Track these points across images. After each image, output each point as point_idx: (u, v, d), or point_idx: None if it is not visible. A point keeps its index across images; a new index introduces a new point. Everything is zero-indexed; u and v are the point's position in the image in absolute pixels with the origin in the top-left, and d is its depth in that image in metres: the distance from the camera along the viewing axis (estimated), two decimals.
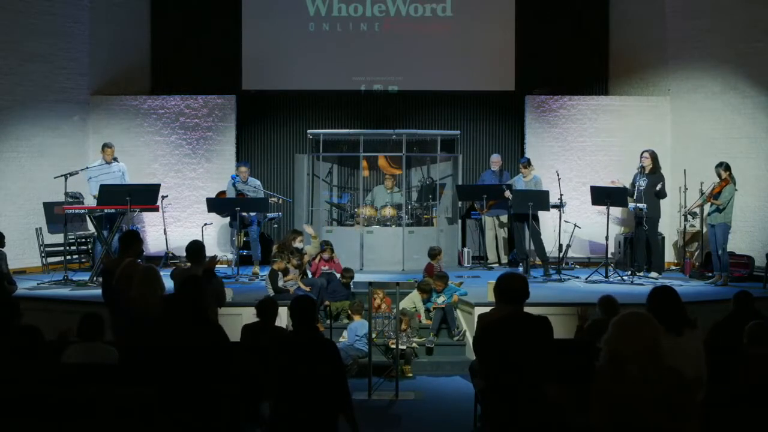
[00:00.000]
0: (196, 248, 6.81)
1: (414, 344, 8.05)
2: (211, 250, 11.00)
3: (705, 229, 10.39)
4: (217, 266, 11.09)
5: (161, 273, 6.10)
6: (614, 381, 3.36)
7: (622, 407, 3.33)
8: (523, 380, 4.03)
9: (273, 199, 10.96)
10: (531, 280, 9.99)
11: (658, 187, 10.08)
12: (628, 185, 10.33)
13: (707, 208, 9.94)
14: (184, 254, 7.10)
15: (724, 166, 9.69)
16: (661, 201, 10.27)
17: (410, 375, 7.85)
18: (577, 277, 10.25)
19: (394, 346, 7.55)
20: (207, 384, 4.31)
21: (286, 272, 8.44)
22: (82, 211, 10.43)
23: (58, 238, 10.49)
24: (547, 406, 3.93)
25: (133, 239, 6.57)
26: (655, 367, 3.35)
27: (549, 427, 3.93)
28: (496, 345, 4.21)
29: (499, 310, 6.22)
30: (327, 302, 8.38)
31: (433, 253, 9.56)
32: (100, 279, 7.65)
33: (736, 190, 9.68)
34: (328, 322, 8.23)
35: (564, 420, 3.88)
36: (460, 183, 11.61)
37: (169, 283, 7.05)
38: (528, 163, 10.82)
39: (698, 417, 3.49)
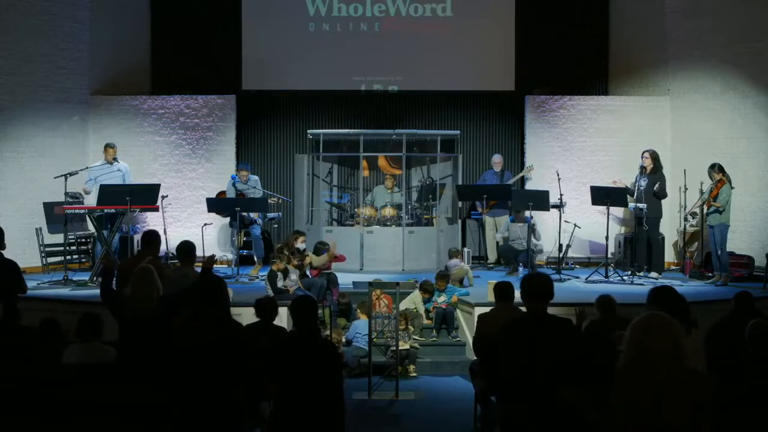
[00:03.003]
0: (186, 248, 6.81)
1: (416, 344, 8.06)
2: (211, 250, 11.02)
3: (705, 230, 10.39)
4: (217, 266, 11.23)
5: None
6: (640, 382, 3.35)
7: (646, 408, 3.32)
8: (547, 380, 4.02)
9: (273, 199, 10.96)
10: None
11: (656, 187, 10.08)
12: (629, 185, 10.34)
13: (706, 209, 9.93)
14: (175, 253, 7.13)
15: (716, 168, 9.70)
16: (662, 201, 10.28)
17: (414, 374, 7.85)
18: (577, 277, 10.25)
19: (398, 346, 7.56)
20: (225, 383, 4.30)
21: (285, 273, 8.43)
22: (82, 211, 10.44)
23: (58, 238, 10.48)
24: (565, 406, 3.93)
25: (156, 239, 6.63)
26: (681, 368, 3.35)
27: (569, 427, 3.92)
28: (518, 344, 4.21)
29: (500, 310, 6.27)
30: (337, 296, 8.64)
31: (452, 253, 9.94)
32: (100, 279, 7.66)
33: (732, 188, 9.68)
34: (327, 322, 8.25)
35: (580, 420, 3.87)
36: (460, 183, 11.60)
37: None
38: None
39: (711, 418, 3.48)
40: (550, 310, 4.58)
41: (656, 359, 3.34)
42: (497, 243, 11.23)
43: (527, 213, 10.83)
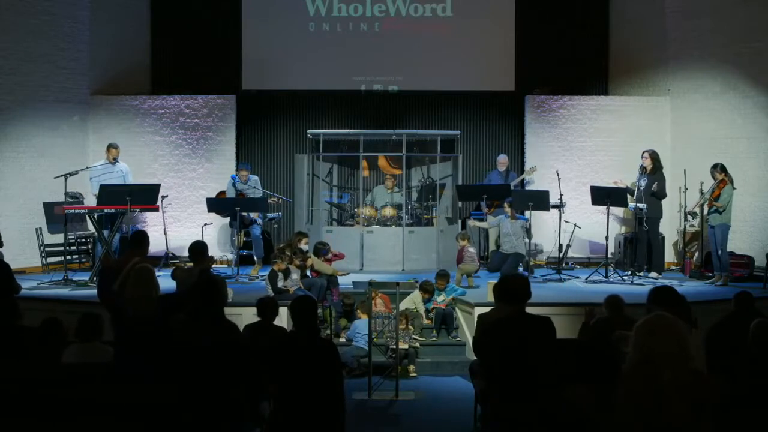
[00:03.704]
0: (199, 248, 6.82)
1: (417, 344, 8.06)
2: (211, 250, 11.01)
3: (705, 230, 10.38)
4: (217, 266, 11.24)
5: (161, 273, 6.15)
6: (644, 383, 3.34)
7: (651, 409, 3.31)
8: (527, 380, 4.04)
9: (273, 199, 10.96)
10: (531, 280, 9.96)
11: (654, 187, 10.08)
12: (630, 185, 10.34)
13: (707, 209, 9.93)
14: (185, 254, 7.13)
15: (719, 168, 9.69)
16: (662, 201, 10.28)
17: (414, 374, 7.86)
18: (577, 277, 10.25)
19: (394, 347, 7.56)
20: (223, 383, 4.31)
21: (286, 273, 8.43)
22: (82, 211, 10.43)
23: (58, 238, 10.48)
24: (561, 406, 3.93)
25: (143, 240, 6.61)
26: (686, 369, 3.35)
27: (566, 427, 3.93)
28: (498, 344, 4.23)
29: (499, 310, 6.26)
30: (338, 296, 8.58)
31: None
32: (97, 278, 7.67)
33: (734, 189, 9.68)
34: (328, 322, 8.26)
35: (584, 420, 3.87)
36: (460, 183, 11.60)
37: (168, 283, 7.08)
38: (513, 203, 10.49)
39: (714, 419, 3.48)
40: (555, 310, 4.59)
41: (661, 360, 3.34)
42: (478, 228, 11.21)
43: (526, 213, 10.82)
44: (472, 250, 9.87)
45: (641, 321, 3.49)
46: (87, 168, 10.55)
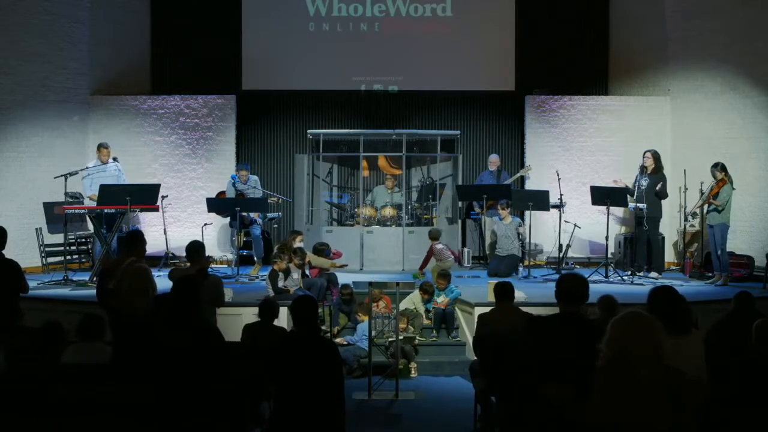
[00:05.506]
0: (195, 247, 6.82)
1: (416, 341, 8.07)
2: (211, 250, 11.03)
3: (706, 230, 10.38)
4: (217, 266, 11.24)
5: (161, 273, 6.13)
6: (619, 381, 3.35)
7: (626, 408, 3.32)
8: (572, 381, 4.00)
9: (273, 199, 10.96)
10: (531, 280, 9.99)
11: (658, 187, 10.10)
12: (630, 185, 10.34)
13: (706, 208, 9.94)
14: (185, 254, 7.12)
15: (719, 167, 9.70)
16: (662, 201, 10.28)
17: (414, 374, 7.85)
18: None
19: (393, 340, 7.57)
20: (203, 384, 4.30)
21: (287, 273, 8.42)
22: (82, 211, 10.43)
23: (58, 238, 10.48)
24: (551, 405, 3.92)
25: (137, 239, 6.58)
26: (660, 368, 3.35)
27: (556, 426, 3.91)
28: (552, 343, 4.19)
29: (499, 310, 6.27)
30: (338, 295, 8.56)
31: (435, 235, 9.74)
32: (96, 279, 7.66)
33: (734, 189, 9.68)
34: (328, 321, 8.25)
35: (563, 418, 3.86)
36: (460, 183, 11.60)
37: (167, 284, 7.08)
38: (507, 204, 10.52)
39: (697, 418, 3.48)
40: (555, 310, 4.57)
41: (635, 358, 3.35)
42: (490, 244, 11.14)
43: (525, 213, 10.82)
44: (440, 246, 9.79)
45: (616, 319, 3.50)
46: (86, 168, 10.55)
